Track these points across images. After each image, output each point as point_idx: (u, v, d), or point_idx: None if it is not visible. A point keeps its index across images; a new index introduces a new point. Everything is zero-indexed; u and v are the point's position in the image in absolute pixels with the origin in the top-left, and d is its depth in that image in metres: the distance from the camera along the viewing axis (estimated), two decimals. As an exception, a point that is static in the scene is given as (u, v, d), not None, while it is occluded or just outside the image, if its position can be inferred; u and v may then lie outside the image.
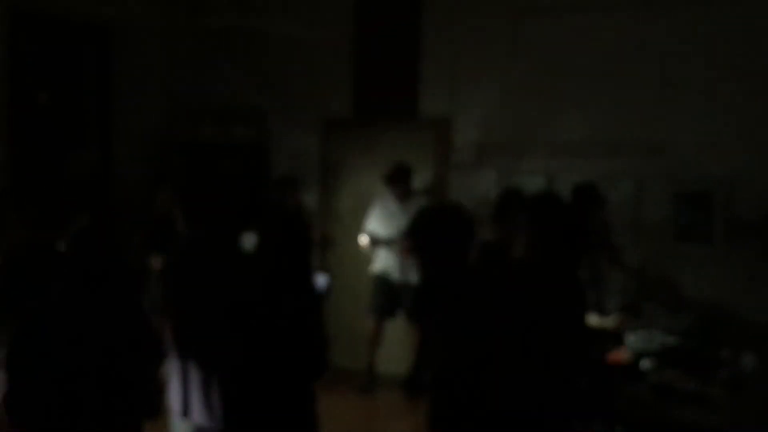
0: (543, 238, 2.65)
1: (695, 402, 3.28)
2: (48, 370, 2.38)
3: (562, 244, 2.65)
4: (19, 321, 2.47)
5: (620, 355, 3.78)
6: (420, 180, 5.95)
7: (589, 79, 5.46)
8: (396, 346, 5.87)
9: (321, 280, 3.82)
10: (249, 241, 3.02)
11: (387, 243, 5.69)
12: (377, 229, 5.76)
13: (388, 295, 5.75)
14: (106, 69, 6.11)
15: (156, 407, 2.52)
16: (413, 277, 5.41)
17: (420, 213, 2.76)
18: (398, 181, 5.72)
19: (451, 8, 5.84)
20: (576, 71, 5.50)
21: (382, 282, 5.78)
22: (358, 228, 5.84)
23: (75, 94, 5.99)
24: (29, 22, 5.39)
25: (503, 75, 5.72)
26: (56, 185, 5.04)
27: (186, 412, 2.85)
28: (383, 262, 5.79)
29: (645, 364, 3.67)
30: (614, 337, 4.06)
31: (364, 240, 5.72)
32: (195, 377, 2.82)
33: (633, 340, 3.96)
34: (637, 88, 5.34)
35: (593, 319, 4.23)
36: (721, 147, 5.12)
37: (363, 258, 5.89)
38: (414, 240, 2.71)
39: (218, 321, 2.80)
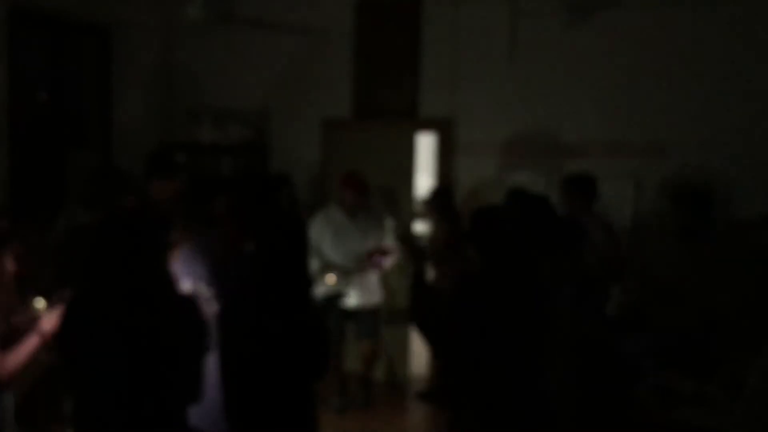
0: (483, 252, 2.69)
1: (695, 402, 3.29)
2: (96, 357, 2.39)
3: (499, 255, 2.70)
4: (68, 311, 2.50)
5: None
6: (419, 181, 5.94)
7: (590, 79, 5.46)
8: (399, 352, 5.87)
9: None
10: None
11: (343, 270, 4.87)
12: (330, 255, 4.93)
13: (338, 320, 5.01)
14: (106, 69, 6.10)
15: (200, 392, 2.54)
16: (372, 299, 5.09)
17: None
18: (349, 186, 4.89)
19: (451, 8, 5.84)
20: (576, 71, 5.50)
21: (331, 307, 4.97)
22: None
23: (75, 94, 5.98)
24: (29, 21, 5.38)
25: (503, 75, 5.71)
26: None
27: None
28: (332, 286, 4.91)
29: (645, 364, 3.67)
30: None
31: (331, 279, 4.82)
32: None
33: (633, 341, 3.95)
34: (637, 88, 5.35)
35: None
36: (721, 147, 5.12)
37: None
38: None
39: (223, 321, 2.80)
